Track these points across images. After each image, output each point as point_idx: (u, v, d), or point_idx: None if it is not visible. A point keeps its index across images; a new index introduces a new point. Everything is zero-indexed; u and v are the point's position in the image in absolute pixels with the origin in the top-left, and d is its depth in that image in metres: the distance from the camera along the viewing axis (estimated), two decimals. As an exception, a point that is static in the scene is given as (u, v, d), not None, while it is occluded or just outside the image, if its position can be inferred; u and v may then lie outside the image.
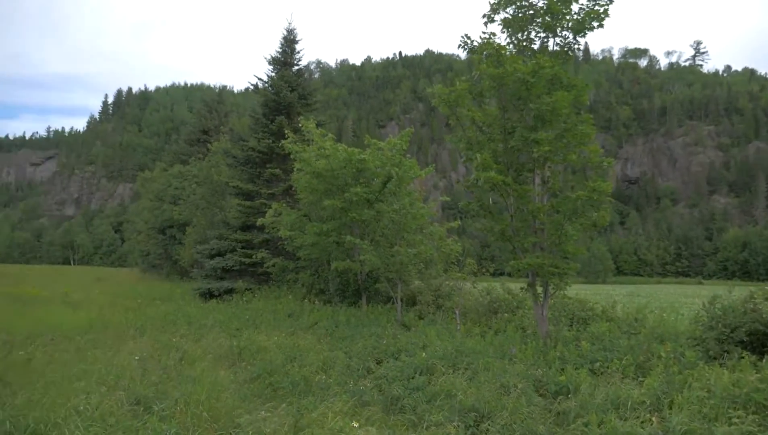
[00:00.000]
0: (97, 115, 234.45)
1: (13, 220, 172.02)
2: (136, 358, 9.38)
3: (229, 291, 22.13)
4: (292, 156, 18.83)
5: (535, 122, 9.86)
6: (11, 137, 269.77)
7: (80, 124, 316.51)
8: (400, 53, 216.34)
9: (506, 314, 13.90)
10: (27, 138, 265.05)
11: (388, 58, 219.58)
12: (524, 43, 10.95)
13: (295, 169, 18.72)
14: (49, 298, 21.06)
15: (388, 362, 8.89)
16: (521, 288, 12.52)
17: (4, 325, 12.44)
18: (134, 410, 6.41)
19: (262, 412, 6.27)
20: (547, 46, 10.85)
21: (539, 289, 10.56)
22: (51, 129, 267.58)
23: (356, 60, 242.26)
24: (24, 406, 6.11)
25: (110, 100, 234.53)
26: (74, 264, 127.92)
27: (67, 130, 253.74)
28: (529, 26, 10.77)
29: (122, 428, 5.67)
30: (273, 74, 27.46)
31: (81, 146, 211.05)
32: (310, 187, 17.53)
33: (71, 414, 5.79)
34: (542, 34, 10.83)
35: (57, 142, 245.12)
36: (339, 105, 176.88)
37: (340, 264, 16.72)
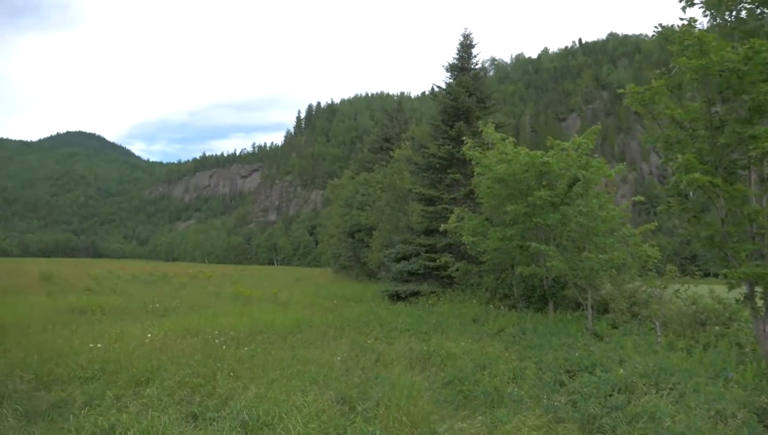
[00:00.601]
0: (292, 130, 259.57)
1: (228, 226, 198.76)
2: (338, 358, 10.28)
3: (415, 293, 23.03)
4: (472, 161, 18.97)
5: (750, 114, 8.70)
6: (225, 154, 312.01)
7: (279, 139, 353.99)
8: (580, 40, 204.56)
9: (716, 327, 12.46)
10: (237, 154, 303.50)
11: (566, 47, 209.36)
12: (732, 26, 9.74)
13: (475, 174, 18.82)
14: (262, 298, 23.86)
15: (582, 376, 8.55)
16: (736, 300, 11.09)
17: (232, 324, 14.47)
18: (341, 409, 7.07)
19: (459, 422, 6.49)
20: (763, 25, 9.53)
21: (759, 303, 9.29)
22: (256, 145, 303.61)
23: (532, 53, 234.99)
24: (255, 399, 7.10)
25: (302, 115, 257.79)
26: (277, 264, 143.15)
27: (268, 145, 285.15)
28: (740, 4, 9.56)
29: (333, 426, 6.31)
30: (451, 81, 27.94)
31: (280, 158, 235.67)
32: (492, 192, 17.49)
33: (292, 410, 6.59)
34: (758, 11, 9.54)
35: (261, 156, 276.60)
36: (515, 101, 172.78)
37: (525, 269, 16.42)
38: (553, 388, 8.19)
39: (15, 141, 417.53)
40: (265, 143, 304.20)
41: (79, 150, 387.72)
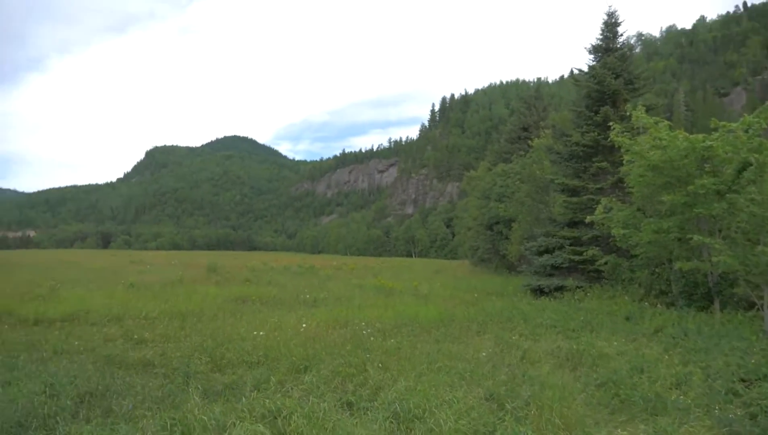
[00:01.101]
0: (426, 123, 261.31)
1: (368, 220, 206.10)
2: (483, 354, 10.25)
3: (560, 288, 22.13)
4: (621, 148, 17.76)
5: None
6: (363, 150, 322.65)
7: (414, 133, 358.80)
8: (745, 4, 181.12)
9: None
10: (375, 150, 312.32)
11: (728, 12, 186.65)
12: None
13: (624, 162, 17.59)
14: (403, 290, 24.44)
15: (761, 386, 7.65)
16: None
17: (377, 315, 15.03)
18: (490, 407, 7.05)
19: (617, 429, 6.17)
20: None
21: None
22: (392, 140, 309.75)
23: (685, 24, 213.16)
24: (405, 392, 7.33)
25: (436, 108, 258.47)
26: (415, 256, 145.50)
27: (404, 139, 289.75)
28: None
29: (483, 423, 6.32)
30: (594, 63, 26.30)
31: (416, 152, 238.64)
32: (645, 180, 16.22)
33: (442, 405, 6.71)
34: None
35: (397, 151, 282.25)
36: (667, 78, 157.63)
37: (685, 264, 14.98)
38: (726, 398, 7.43)
39: (182, 147, 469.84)
40: (400, 138, 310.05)
41: (234, 152, 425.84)
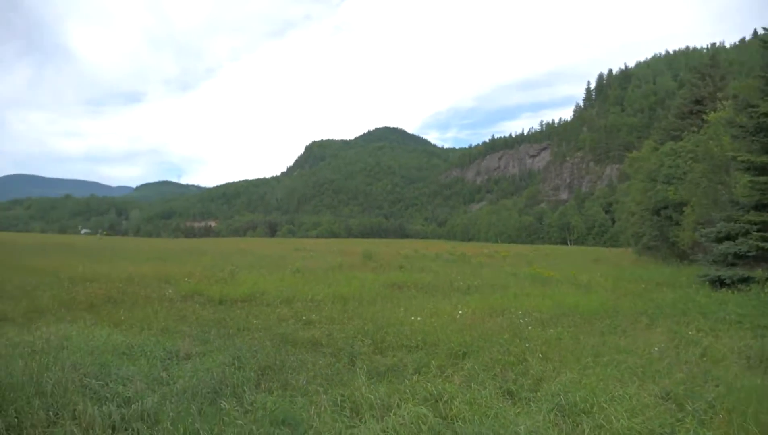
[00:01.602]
0: (581, 103, 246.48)
1: (519, 206, 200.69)
2: (655, 349, 9.47)
3: (745, 280, 19.58)
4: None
5: None
6: (513, 135, 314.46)
7: (567, 114, 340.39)
8: None
9: None
10: (525, 134, 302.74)
11: None
12: None
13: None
14: (560, 280, 23.43)
15: None
16: None
17: (534, 305, 14.62)
18: (666, 406, 6.50)
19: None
20: None
21: None
22: (543, 122, 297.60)
23: None
24: (569, 384, 7.05)
25: (592, 86, 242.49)
26: (570, 244, 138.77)
27: (556, 121, 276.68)
28: None
29: (659, 423, 5.85)
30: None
31: (570, 134, 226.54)
32: None
33: (611, 400, 6.35)
34: None
35: (549, 134, 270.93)
36: None
37: None
38: None
39: (338, 141, 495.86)
40: (553, 120, 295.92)
41: (385, 143, 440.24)
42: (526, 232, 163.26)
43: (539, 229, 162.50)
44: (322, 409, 6.23)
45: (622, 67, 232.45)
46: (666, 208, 38.41)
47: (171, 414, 5.89)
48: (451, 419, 6.10)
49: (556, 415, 6.20)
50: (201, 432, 5.45)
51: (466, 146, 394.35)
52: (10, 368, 7.21)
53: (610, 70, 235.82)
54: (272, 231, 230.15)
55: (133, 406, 6.18)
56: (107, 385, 7.01)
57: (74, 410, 5.96)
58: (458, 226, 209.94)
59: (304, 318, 12.79)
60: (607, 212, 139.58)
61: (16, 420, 5.70)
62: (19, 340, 9.44)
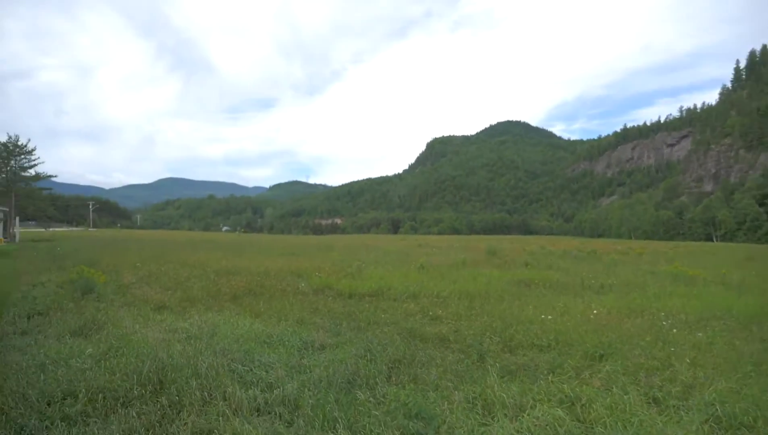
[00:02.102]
0: (729, 84, 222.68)
1: (656, 200, 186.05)
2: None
3: None
4: None
5: None
6: (648, 123, 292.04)
7: (712, 98, 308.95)
8: None
9: None
10: (662, 121, 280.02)
11: None
12: None
13: None
14: (707, 279, 21.36)
15: None
16: None
17: (678, 306, 13.46)
18: None
19: None
20: None
21: None
22: (683, 108, 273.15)
23: None
24: (725, 393, 6.39)
25: (742, 64, 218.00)
26: (716, 240, 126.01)
27: (698, 106, 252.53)
28: None
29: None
30: None
31: (715, 120, 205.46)
32: None
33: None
34: None
35: (690, 120, 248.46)
36: None
37: None
38: None
39: (458, 136, 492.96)
40: (694, 105, 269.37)
41: (507, 137, 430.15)
42: (664, 227, 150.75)
43: (679, 225, 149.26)
44: (455, 405, 6.21)
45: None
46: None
47: (310, 401, 6.21)
48: (590, 424, 5.80)
49: (711, 427, 5.66)
50: (339, 419, 5.67)
51: (596, 137, 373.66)
52: (170, 351, 8.02)
53: (764, 46, 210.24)
54: (395, 227, 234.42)
55: (275, 391, 6.61)
56: (252, 370, 7.56)
57: (225, 392, 6.49)
58: (587, 222, 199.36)
59: (430, 314, 12.83)
60: (761, 205, 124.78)
61: (177, 398, 6.32)
62: (176, 327, 10.48)
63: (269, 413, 6.11)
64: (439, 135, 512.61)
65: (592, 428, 5.67)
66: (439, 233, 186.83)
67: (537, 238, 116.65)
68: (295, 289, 16.82)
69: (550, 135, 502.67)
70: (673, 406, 6.30)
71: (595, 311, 12.52)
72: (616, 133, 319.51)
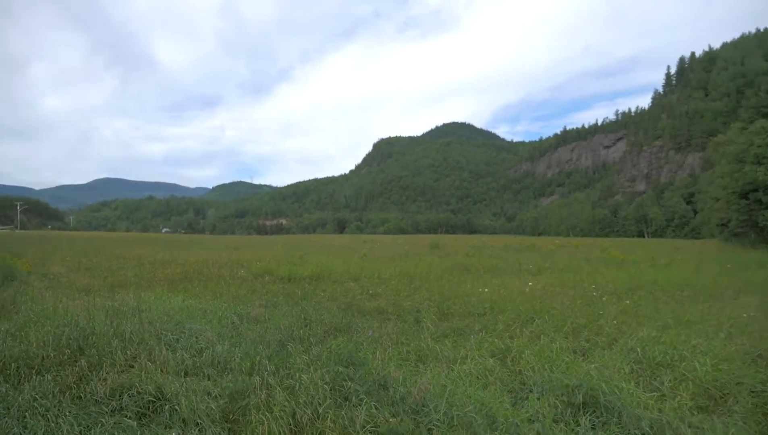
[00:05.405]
0: (660, 89, 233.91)
1: (592, 199, 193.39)
2: (744, 315, 8.80)
3: None
4: None
5: None
6: (586, 126, 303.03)
7: (645, 102, 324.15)
8: None
9: None
10: (599, 124, 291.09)
11: None
12: None
13: None
14: (636, 261, 22.36)
15: None
16: None
17: (609, 279, 13.98)
18: (756, 361, 6.01)
19: None
20: None
21: None
22: (619, 111, 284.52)
23: None
24: (647, 340, 6.66)
25: (672, 71, 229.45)
26: (647, 237, 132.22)
27: (633, 109, 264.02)
28: None
29: (749, 375, 5.40)
30: None
31: (647, 123, 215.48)
32: None
33: (695, 353, 5.92)
34: None
35: (625, 123, 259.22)
36: None
37: None
38: None
39: (405, 137, 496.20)
40: (629, 108, 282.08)
41: (453, 139, 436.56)
42: (600, 225, 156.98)
43: (614, 222, 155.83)
44: (388, 356, 6.18)
45: (706, 49, 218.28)
46: (756, 190, 35.87)
47: (239, 356, 6.03)
48: (519, 371, 5.90)
49: (632, 367, 5.86)
50: (268, 367, 5.53)
51: (537, 139, 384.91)
52: (93, 321, 7.62)
53: (693, 53, 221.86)
54: (341, 228, 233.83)
55: (204, 354, 6.38)
56: (181, 339, 7.27)
57: (150, 353, 6.21)
58: (528, 221, 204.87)
59: (370, 291, 12.81)
60: (688, 203, 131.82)
61: (97, 359, 6.00)
62: (102, 304, 9.98)
63: (197, 375, 5.88)
64: (385, 136, 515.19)
65: (521, 374, 5.76)
66: (385, 232, 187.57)
67: (480, 236, 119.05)
68: (234, 275, 16.43)
69: (494, 136, 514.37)
70: (599, 355, 6.50)
71: (530, 284, 12.83)
72: (556, 135, 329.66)
